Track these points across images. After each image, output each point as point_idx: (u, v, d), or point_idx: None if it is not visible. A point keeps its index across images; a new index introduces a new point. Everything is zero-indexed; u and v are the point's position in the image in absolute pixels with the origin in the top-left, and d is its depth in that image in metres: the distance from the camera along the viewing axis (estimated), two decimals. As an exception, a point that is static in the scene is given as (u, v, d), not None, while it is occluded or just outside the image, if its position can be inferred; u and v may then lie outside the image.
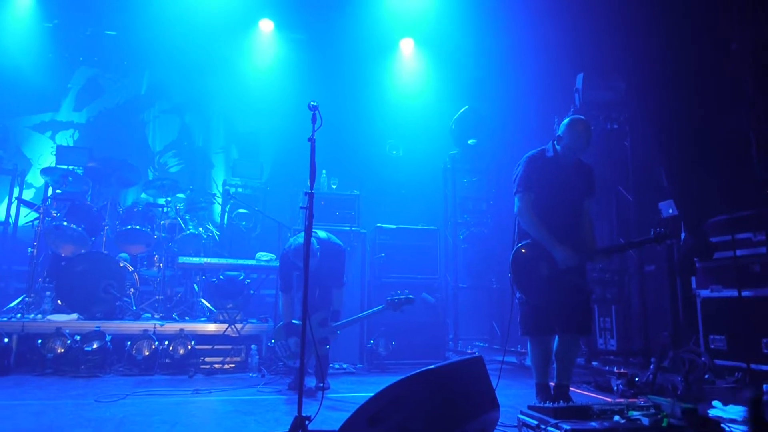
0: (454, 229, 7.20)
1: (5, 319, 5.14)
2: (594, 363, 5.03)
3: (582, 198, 3.49)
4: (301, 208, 2.94)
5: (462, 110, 7.45)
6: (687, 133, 4.97)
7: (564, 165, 3.45)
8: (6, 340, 4.78)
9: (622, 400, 3.70)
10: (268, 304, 6.37)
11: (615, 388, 4.14)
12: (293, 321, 4.41)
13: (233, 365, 5.28)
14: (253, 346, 5.25)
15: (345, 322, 4.37)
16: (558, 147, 3.44)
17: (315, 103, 3.06)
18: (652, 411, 2.71)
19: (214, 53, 8.36)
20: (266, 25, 8.47)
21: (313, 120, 3.05)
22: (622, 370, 4.19)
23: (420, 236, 6.24)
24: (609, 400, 3.79)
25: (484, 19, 7.64)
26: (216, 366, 5.20)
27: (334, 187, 6.42)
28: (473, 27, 7.72)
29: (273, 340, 4.60)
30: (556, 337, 3.38)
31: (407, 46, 8.81)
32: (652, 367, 4.15)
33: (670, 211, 5.06)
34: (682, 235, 4.80)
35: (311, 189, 2.94)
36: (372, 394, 2.42)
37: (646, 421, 2.63)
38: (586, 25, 6.58)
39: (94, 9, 7.82)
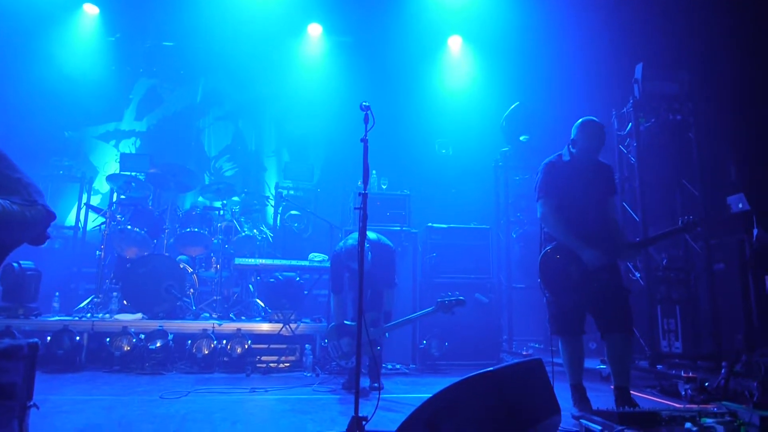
0: (507, 227, 7.05)
1: (77, 318, 5.45)
2: (659, 366, 4.80)
3: (604, 198, 3.51)
4: (355, 208, 2.95)
5: (513, 106, 7.29)
6: (759, 125, 4.67)
7: (582, 167, 3.48)
8: (78, 338, 5.05)
9: (693, 406, 3.50)
10: (321, 304, 6.45)
11: (683, 393, 3.93)
12: (345, 321, 4.45)
13: (288, 364, 5.37)
14: (307, 345, 5.33)
15: (396, 323, 4.35)
16: (573, 150, 3.49)
17: (367, 104, 3.06)
18: (728, 418, 2.55)
19: (264, 60, 8.56)
20: (314, 30, 8.59)
21: (366, 120, 3.05)
22: (690, 374, 3.96)
23: (472, 235, 6.14)
24: (678, 405, 3.60)
25: (533, 12, 7.47)
26: (272, 365, 5.30)
27: (384, 187, 6.42)
28: (522, 21, 7.57)
29: (326, 340, 4.65)
30: (603, 340, 3.36)
31: (455, 44, 8.72)
32: (723, 371, 3.91)
33: (740, 205, 4.77)
34: (755, 232, 4.52)
35: (365, 190, 2.94)
36: (426, 396, 2.39)
37: (720, 429, 2.48)
38: (643, 15, 6.32)
39: (153, 22, 8.18)
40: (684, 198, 5.42)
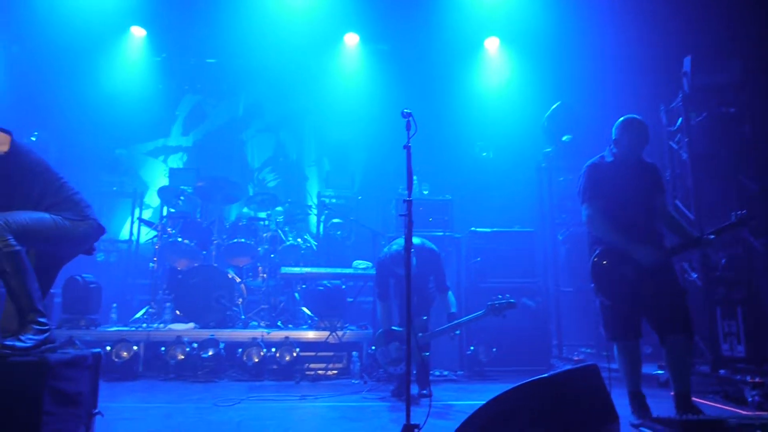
0: (552, 230, 6.90)
1: (133, 328, 5.66)
2: (721, 371, 4.57)
3: (651, 197, 3.41)
4: (400, 215, 2.95)
5: (554, 106, 7.15)
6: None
7: (626, 167, 3.40)
8: (135, 347, 5.25)
9: (762, 413, 3.33)
10: (366, 311, 6.47)
11: (750, 399, 3.73)
12: (392, 328, 4.45)
13: (336, 371, 5.41)
14: (354, 352, 5.36)
15: (444, 328, 4.31)
16: (616, 150, 3.42)
17: (408, 111, 3.07)
18: (803, 427, 2.41)
19: (303, 71, 8.71)
20: (351, 39, 8.69)
21: (408, 127, 3.06)
22: (757, 380, 3.76)
23: (516, 239, 6.05)
24: (745, 413, 3.43)
25: (571, 9, 7.31)
26: (320, 372, 5.36)
27: (425, 193, 6.41)
28: (559, 18, 7.42)
29: (373, 347, 4.66)
30: (662, 344, 3.24)
31: (492, 45, 8.64)
32: (793, 376, 3.69)
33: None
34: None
35: (409, 196, 2.94)
36: (476, 403, 2.36)
37: (795, 438, 2.34)
38: (687, 2, 6.09)
39: (196, 40, 8.45)
40: (741, 194, 5.17)
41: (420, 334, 4.18)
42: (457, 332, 4.29)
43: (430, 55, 8.35)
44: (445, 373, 5.51)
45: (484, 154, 7.99)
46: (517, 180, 7.75)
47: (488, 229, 6.07)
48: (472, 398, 4.25)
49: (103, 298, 5.91)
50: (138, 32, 8.37)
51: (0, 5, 7.33)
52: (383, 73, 8.59)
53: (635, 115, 3.45)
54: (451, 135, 8.15)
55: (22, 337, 2.54)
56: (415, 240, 4.49)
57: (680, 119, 5.48)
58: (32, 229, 2.62)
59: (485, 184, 7.74)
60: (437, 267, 4.49)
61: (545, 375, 2.28)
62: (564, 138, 7.03)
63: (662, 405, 3.47)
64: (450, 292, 4.52)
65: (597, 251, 3.33)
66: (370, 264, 5.96)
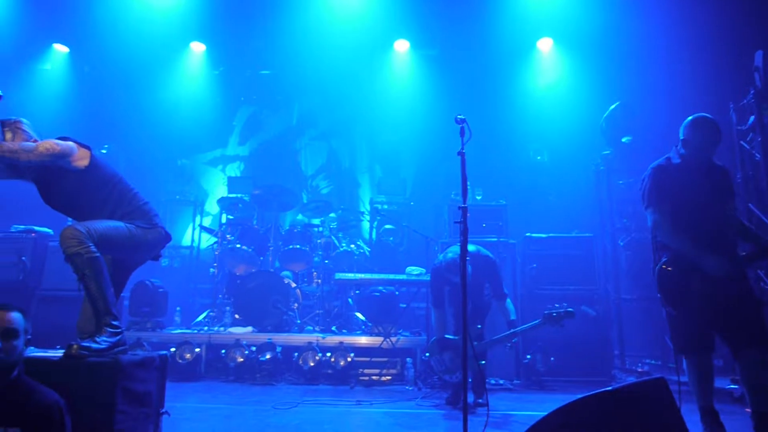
0: (613, 235, 6.63)
1: (196, 331, 5.89)
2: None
3: (722, 202, 3.18)
4: (455, 222, 2.93)
5: (612, 107, 6.91)
6: None
7: (695, 169, 3.19)
8: (197, 349, 5.46)
9: None
10: (419, 317, 6.45)
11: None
12: (447, 336, 4.41)
13: (390, 377, 5.42)
14: (408, 359, 5.35)
15: (500, 337, 4.24)
16: (684, 151, 3.22)
17: (462, 117, 3.05)
18: None
19: (354, 79, 8.82)
20: (401, 46, 8.73)
21: (461, 133, 3.04)
22: None
23: (574, 244, 5.87)
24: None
25: (628, 4, 7.05)
26: (374, 378, 5.38)
27: (478, 198, 6.34)
28: (616, 15, 7.16)
29: (427, 354, 4.64)
30: (735, 359, 3.05)
31: (545, 46, 8.45)
32: None
33: None
34: None
35: (464, 203, 2.92)
36: (534, 414, 2.31)
37: None
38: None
39: (251, 54, 8.73)
40: (823, 196, 4.81)
41: (475, 343, 4.12)
42: (514, 340, 4.19)
43: (480, 58, 8.26)
44: (501, 381, 5.41)
45: (539, 157, 7.81)
46: (573, 184, 7.52)
47: (544, 235, 5.92)
48: (531, 408, 4.14)
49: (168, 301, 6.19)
50: (197, 48, 8.75)
51: (74, 30, 7.85)
52: (433, 77, 8.58)
53: (705, 114, 3.25)
54: (504, 138, 8.02)
55: (98, 339, 2.70)
56: (470, 247, 4.45)
57: (752, 117, 5.17)
58: (110, 236, 2.81)
59: (540, 188, 7.56)
60: (494, 274, 4.42)
61: (610, 388, 2.19)
62: (624, 139, 6.78)
63: (737, 423, 3.27)
64: (508, 299, 4.43)
65: (663, 259, 3.15)
66: (423, 270, 5.95)
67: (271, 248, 6.62)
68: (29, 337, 2.17)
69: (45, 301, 5.61)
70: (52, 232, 6.15)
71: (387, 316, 5.75)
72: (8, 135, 2.79)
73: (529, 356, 5.39)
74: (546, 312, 3.98)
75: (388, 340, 5.46)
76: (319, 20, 7.99)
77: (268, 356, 5.37)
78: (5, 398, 2.04)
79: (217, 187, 8.98)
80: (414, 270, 5.98)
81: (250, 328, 5.93)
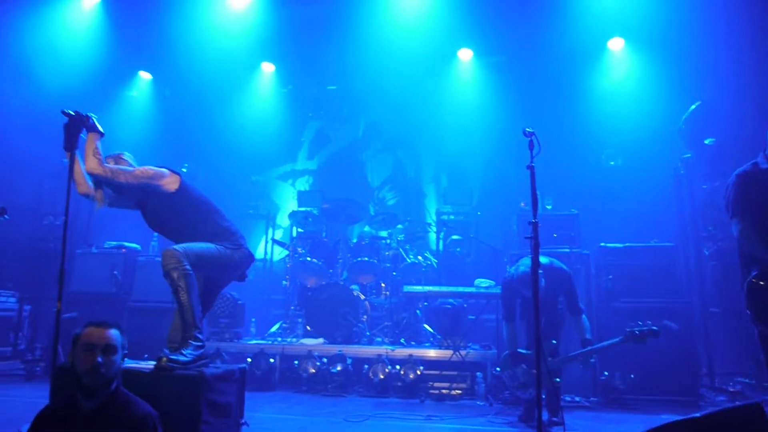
0: (697, 243, 6.23)
1: (270, 342, 6.11)
2: None
3: None
4: (526, 238, 2.88)
5: (692, 107, 6.52)
6: None
7: None
8: (272, 360, 5.65)
9: None
10: (489, 329, 6.34)
11: None
12: (519, 350, 4.31)
13: (460, 391, 5.36)
14: (478, 373, 5.27)
15: (577, 354, 4.09)
16: None
17: (531, 130, 3.00)
18: None
19: (419, 90, 8.88)
20: (465, 54, 8.69)
21: (530, 146, 2.99)
22: None
23: (653, 254, 5.56)
24: None
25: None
26: (443, 391, 5.35)
27: (548, 207, 6.16)
28: (693, 10, 6.75)
29: (498, 368, 4.55)
30: None
31: (617, 46, 8.12)
32: None
33: None
34: None
35: (534, 217, 2.86)
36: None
37: None
38: None
39: (318, 70, 9.01)
40: None
41: (549, 359, 4.00)
42: (592, 360, 4.01)
43: (547, 62, 8.05)
44: (577, 399, 5.20)
45: (612, 162, 7.48)
46: (650, 190, 7.13)
47: (620, 245, 5.66)
48: (610, 429, 3.97)
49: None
50: (268, 68, 9.15)
51: (156, 58, 8.44)
52: (498, 84, 8.46)
53: None
54: (575, 144, 7.75)
55: (184, 352, 2.89)
56: (544, 260, 4.34)
57: None
58: (203, 256, 3.06)
59: (614, 195, 7.22)
60: (568, 288, 4.28)
61: (699, 414, 2.07)
62: (706, 141, 6.37)
63: None
64: (584, 316, 4.27)
65: (753, 272, 2.92)
66: (492, 283, 5.85)
67: (340, 260, 6.76)
68: (126, 351, 2.34)
69: (134, 312, 6.01)
70: (139, 248, 6.61)
71: (456, 328, 5.71)
72: (111, 162, 3.14)
73: (606, 372, 5.15)
74: (628, 329, 3.77)
75: (457, 353, 5.42)
76: (382, 34, 8.11)
77: (338, 368, 5.47)
78: (106, 409, 2.21)
79: (287, 201, 9.30)
80: (483, 282, 5.90)
81: (321, 340, 6.07)
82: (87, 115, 2.99)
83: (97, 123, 3.02)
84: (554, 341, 4.19)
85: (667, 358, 5.13)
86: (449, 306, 5.85)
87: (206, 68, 8.28)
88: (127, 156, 3.27)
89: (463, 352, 5.43)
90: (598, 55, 8.18)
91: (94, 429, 2.17)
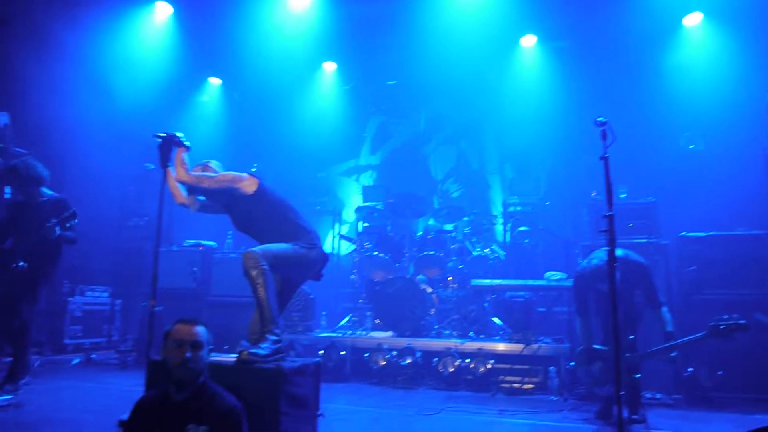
0: (790, 230, 5.76)
1: (340, 334, 6.26)
2: None
3: None
4: (600, 231, 2.78)
5: (783, 82, 6.00)
6: None
7: None
8: (343, 352, 5.79)
9: None
10: (560, 322, 6.16)
11: None
12: (594, 346, 4.18)
13: (532, 386, 5.27)
14: (551, 367, 5.15)
15: (658, 349, 3.90)
16: None
17: (603, 119, 2.89)
18: None
19: (480, 79, 8.72)
20: (528, 41, 8.45)
21: (603, 137, 2.88)
22: None
23: (741, 243, 5.18)
24: None
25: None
26: (515, 386, 5.27)
27: (622, 196, 5.88)
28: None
29: (572, 363, 4.43)
30: None
31: (694, 22, 7.59)
32: None
33: None
34: None
35: (609, 210, 2.76)
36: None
37: None
38: None
39: (378, 66, 9.06)
40: None
41: (628, 354, 3.85)
42: (673, 354, 3.82)
43: (616, 43, 7.66)
44: (658, 396, 4.95)
45: (692, 146, 7.01)
46: (735, 173, 6.62)
47: (703, 234, 5.31)
48: (697, 429, 3.77)
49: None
50: (329, 67, 9.32)
51: (225, 63, 8.81)
52: (564, 69, 8.16)
53: None
54: (649, 128, 7.33)
55: (262, 346, 3.04)
56: (618, 252, 4.14)
57: None
58: (280, 256, 3.24)
59: (695, 181, 6.77)
60: (646, 281, 4.08)
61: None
62: (800, 119, 5.85)
63: None
64: (665, 308, 4.06)
65: None
66: (564, 275, 5.68)
67: (406, 254, 6.80)
68: (211, 347, 2.49)
69: (212, 306, 6.34)
70: (216, 245, 6.96)
71: (526, 322, 5.60)
72: (198, 170, 3.51)
73: (691, 369, 4.88)
74: (712, 324, 3.54)
75: (529, 347, 5.32)
76: (440, 24, 8.02)
77: (408, 361, 5.52)
78: (195, 400, 2.37)
79: (352, 196, 9.45)
80: (554, 275, 5.74)
81: (390, 333, 6.15)
82: (175, 135, 3.37)
83: (183, 140, 3.41)
84: (632, 336, 4.02)
85: (759, 354, 4.76)
86: (520, 299, 5.74)
87: (270, 70, 8.54)
88: (214, 164, 3.59)
89: (534, 346, 5.33)
90: (673, 33, 7.69)
91: (185, 418, 2.32)
